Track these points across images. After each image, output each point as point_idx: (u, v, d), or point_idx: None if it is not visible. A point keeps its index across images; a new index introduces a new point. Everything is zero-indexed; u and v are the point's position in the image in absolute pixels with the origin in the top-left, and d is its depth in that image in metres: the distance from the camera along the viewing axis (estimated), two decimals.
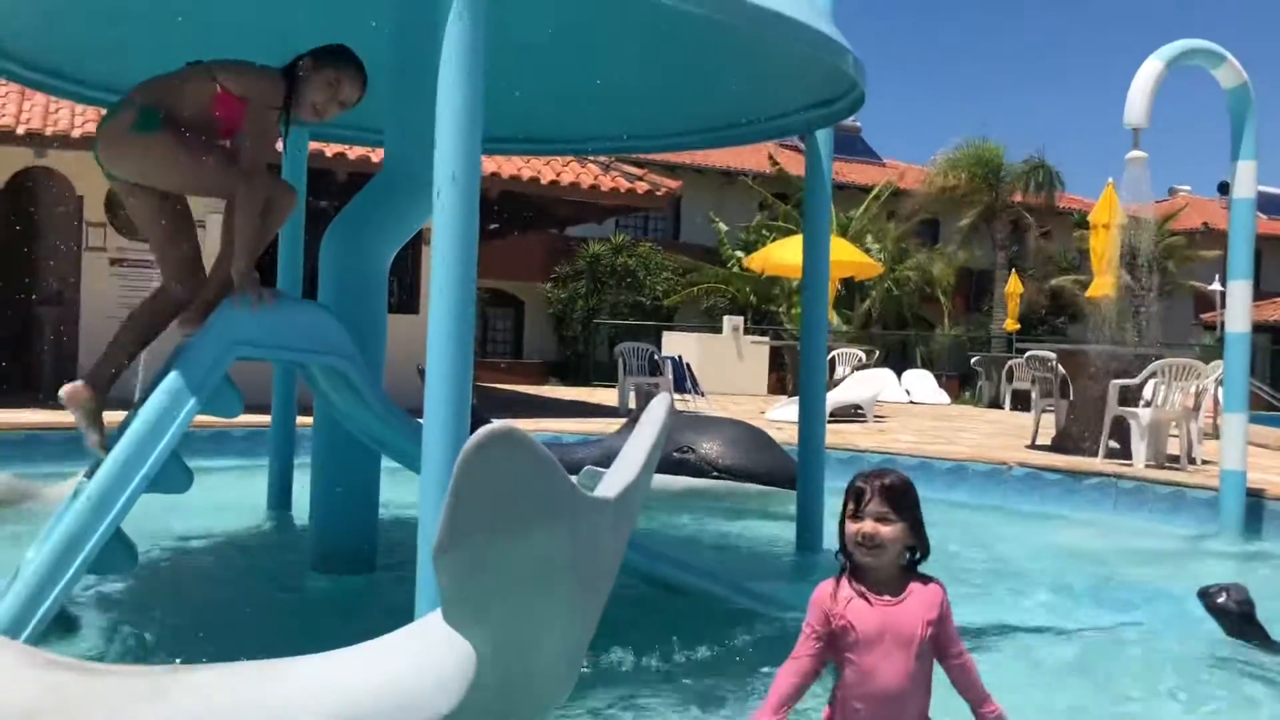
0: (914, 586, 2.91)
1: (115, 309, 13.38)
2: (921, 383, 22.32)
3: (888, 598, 2.93)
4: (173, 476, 3.90)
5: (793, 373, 17.36)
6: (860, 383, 15.85)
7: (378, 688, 2.13)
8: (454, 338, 3.41)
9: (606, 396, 17.50)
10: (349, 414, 4.33)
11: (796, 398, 14.60)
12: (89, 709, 2.21)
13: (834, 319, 20.88)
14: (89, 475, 3.92)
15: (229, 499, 6.80)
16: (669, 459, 7.75)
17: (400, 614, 3.07)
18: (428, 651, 2.10)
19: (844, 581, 3.02)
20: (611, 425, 11.63)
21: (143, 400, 3.93)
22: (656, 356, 15.24)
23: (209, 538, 6.05)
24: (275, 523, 6.64)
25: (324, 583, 5.06)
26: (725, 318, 22.60)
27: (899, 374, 21.89)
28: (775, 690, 3.09)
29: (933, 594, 2.89)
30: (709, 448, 7.67)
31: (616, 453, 8.32)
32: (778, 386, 22.02)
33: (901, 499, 2.91)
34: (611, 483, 2.23)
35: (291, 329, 4.03)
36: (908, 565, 2.93)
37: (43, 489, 6.47)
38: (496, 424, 1.66)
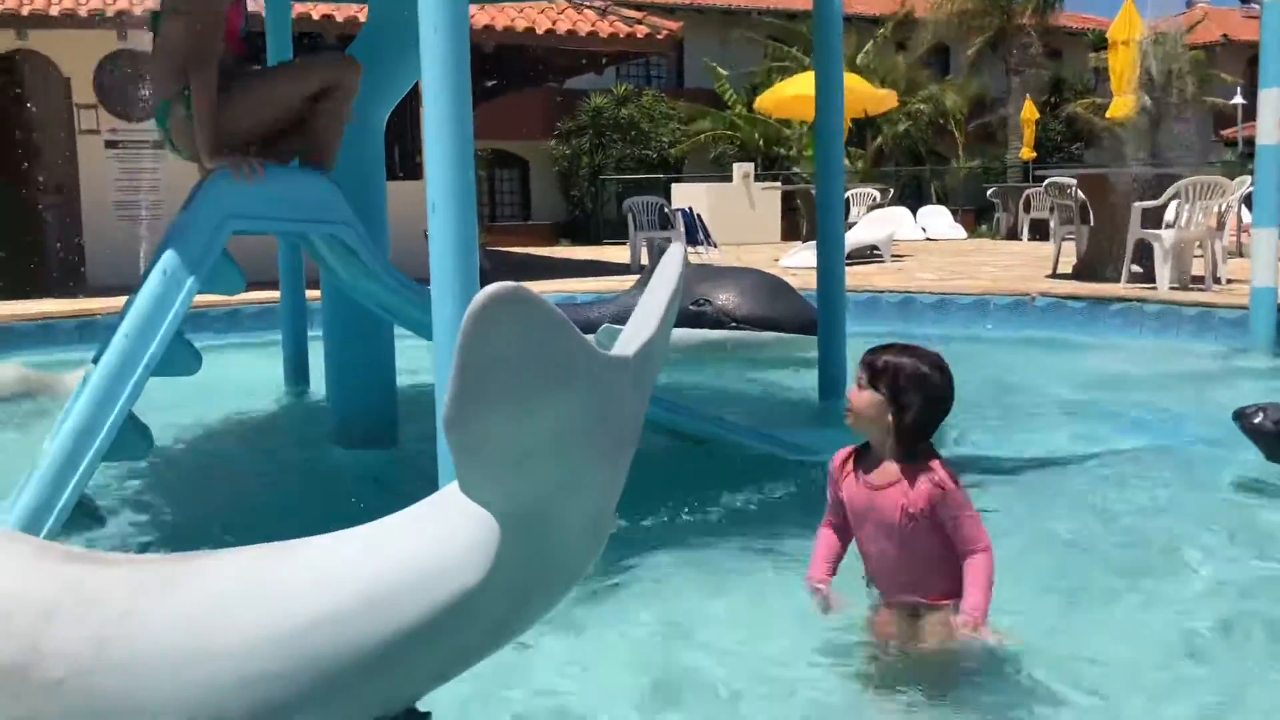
0: (905, 474, 2.83)
1: (115, 192, 13.20)
2: (937, 218, 21.98)
3: (873, 479, 2.88)
4: (180, 358, 3.81)
5: (807, 217, 17.06)
6: (875, 222, 15.60)
7: (398, 564, 2.05)
8: (455, 196, 3.25)
9: (618, 254, 17.30)
10: (355, 284, 4.20)
11: (811, 243, 14.40)
12: (104, 601, 2.16)
13: (845, 159, 20.40)
14: (96, 362, 3.83)
15: (245, 378, 6.76)
16: (686, 312, 7.64)
17: (427, 485, 3.01)
18: (448, 525, 2.02)
19: (854, 453, 2.97)
20: (625, 282, 11.50)
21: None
22: (667, 210, 14.95)
23: (228, 418, 6.01)
24: (293, 399, 6.60)
25: (346, 457, 5.02)
26: (735, 165, 22.17)
27: (914, 211, 21.56)
28: (815, 551, 3.05)
29: (924, 487, 2.79)
30: (726, 298, 7.53)
31: (632, 309, 8.25)
32: (791, 233, 21.72)
33: (882, 372, 2.83)
34: (629, 339, 2.10)
35: (286, 199, 3.87)
36: (906, 450, 2.84)
37: (58, 378, 6.42)
38: (499, 284, 1.53)
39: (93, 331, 8.18)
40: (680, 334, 7.64)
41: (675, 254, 2.39)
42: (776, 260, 14.13)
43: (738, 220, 19.85)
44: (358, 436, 5.01)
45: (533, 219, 30.49)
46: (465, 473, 1.75)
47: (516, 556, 1.93)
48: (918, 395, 2.81)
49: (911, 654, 2.80)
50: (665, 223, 14.86)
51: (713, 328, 7.48)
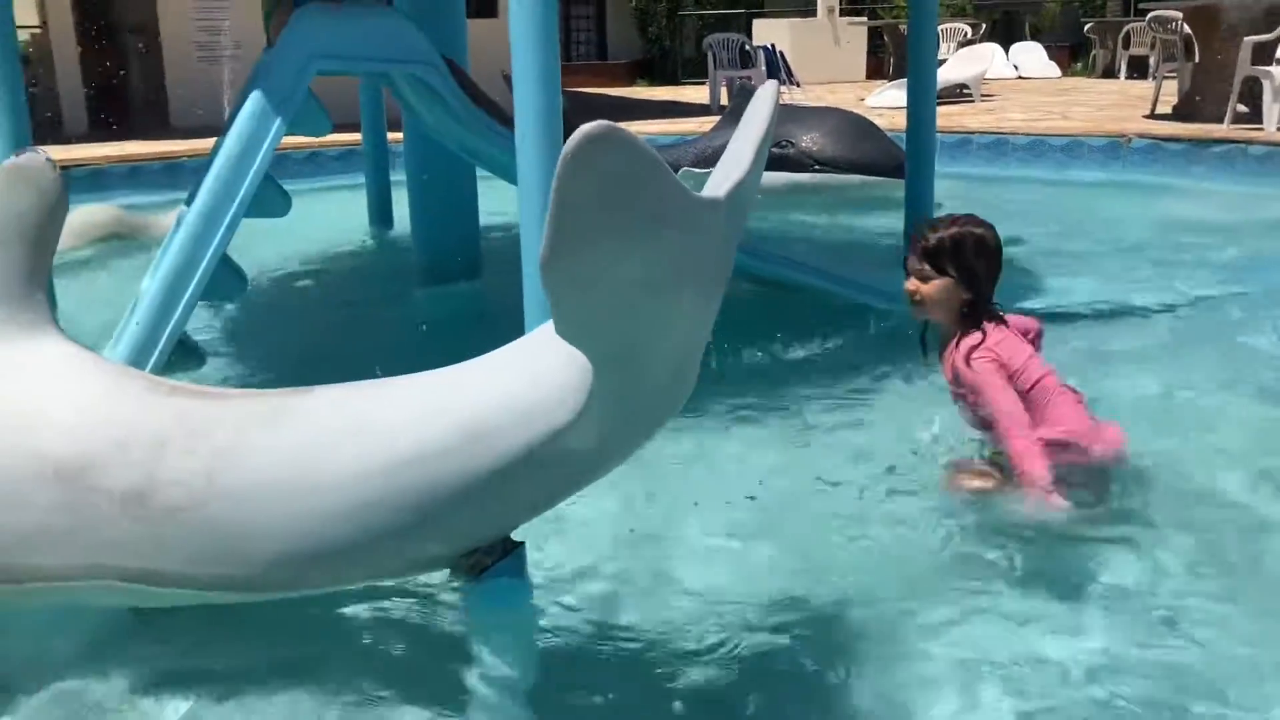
0: (958, 340, 2.85)
1: (194, 33, 13.19)
2: (1030, 55, 21.02)
3: (941, 351, 2.96)
4: (270, 200, 3.86)
5: (894, 54, 16.47)
6: (965, 60, 15.01)
7: (495, 401, 2.11)
8: (538, 35, 3.18)
9: (696, 94, 16.93)
10: (437, 125, 4.18)
11: (899, 81, 13.92)
12: (212, 433, 2.25)
13: None
14: (189, 204, 3.90)
15: (329, 221, 6.83)
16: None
17: (510, 319, 3.05)
18: (543, 363, 2.06)
19: (924, 329, 3.08)
20: (705, 124, 11.27)
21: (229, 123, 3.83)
22: (748, 47, 14.52)
23: (316, 260, 6.12)
24: (378, 240, 6.69)
25: (431, 294, 5.10)
26: (819, 0, 21.31)
27: (1006, 48, 20.63)
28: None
29: (954, 357, 2.84)
30: (810, 140, 7.37)
31: (713, 152, 8.11)
32: (876, 71, 20.99)
33: (944, 254, 2.81)
34: (720, 181, 2.08)
35: (369, 38, 3.82)
36: (973, 319, 2.85)
37: (151, 220, 6.57)
38: (595, 124, 1.51)
39: (179, 174, 8.30)
40: (761, 177, 7.54)
41: (767, 93, 2.33)
42: (862, 100, 13.73)
43: (821, 58, 19.22)
44: (441, 274, 5.09)
45: (609, 58, 29.80)
46: (560, 313, 1.77)
47: (607, 396, 1.96)
48: (982, 261, 2.83)
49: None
50: (746, 61, 14.46)
51: (795, 170, 7.35)
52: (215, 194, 3.66)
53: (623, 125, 1.59)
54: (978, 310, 2.85)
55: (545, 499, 2.23)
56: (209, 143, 3.99)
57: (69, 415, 2.30)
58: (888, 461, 3.03)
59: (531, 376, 2.08)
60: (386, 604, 2.49)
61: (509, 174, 4.19)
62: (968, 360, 2.81)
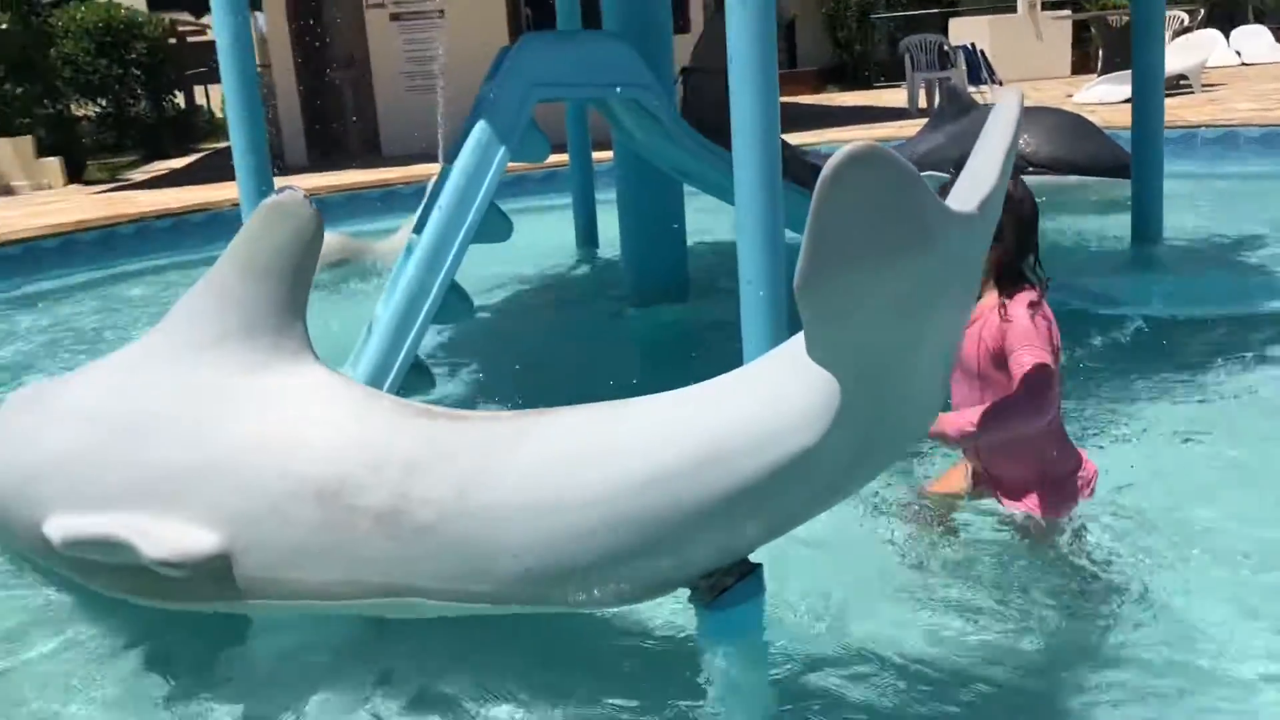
0: (991, 313, 2.58)
1: (403, 64, 13.81)
2: (1255, 40, 19.62)
3: None
4: (494, 226, 3.99)
5: (1103, 47, 15.68)
6: (1183, 49, 14.13)
7: (733, 424, 2.10)
8: (757, 55, 3.14)
9: (892, 98, 16.57)
10: (651, 146, 4.23)
11: (1111, 75, 13.25)
12: (461, 456, 2.32)
13: None
14: (418, 231, 4.07)
15: (536, 242, 7.00)
16: None
17: (720, 339, 3.02)
18: (784, 386, 2.04)
19: None
20: (904, 128, 11.02)
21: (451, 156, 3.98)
22: (946, 47, 14.14)
23: (527, 281, 6.27)
24: (586, 261, 6.81)
25: (642, 315, 5.16)
26: None
27: (1227, 34, 19.34)
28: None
29: (995, 319, 2.56)
30: (1025, 141, 7.08)
31: (920, 157, 7.91)
32: (1081, 65, 20.06)
33: None
34: (969, 194, 2.01)
35: (589, 64, 3.91)
36: (1007, 284, 2.60)
37: (373, 245, 6.88)
38: (858, 145, 1.48)
39: (395, 200, 8.67)
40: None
41: (1011, 101, 2.25)
42: (1070, 96, 13.15)
43: (1022, 54, 18.49)
44: (651, 294, 5.13)
45: (798, 65, 29.57)
46: (814, 334, 1.74)
47: (857, 417, 1.92)
48: (1011, 219, 2.54)
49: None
50: (945, 61, 14.09)
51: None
52: (445, 223, 3.81)
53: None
54: (1016, 269, 2.61)
55: (786, 520, 2.20)
56: (420, 169, 4.16)
57: (327, 439, 2.42)
58: None
59: (771, 399, 2.06)
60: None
61: (723, 193, 4.21)
62: (1029, 307, 2.55)
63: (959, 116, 7.56)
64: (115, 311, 6.39)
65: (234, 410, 2.52)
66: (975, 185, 2.02)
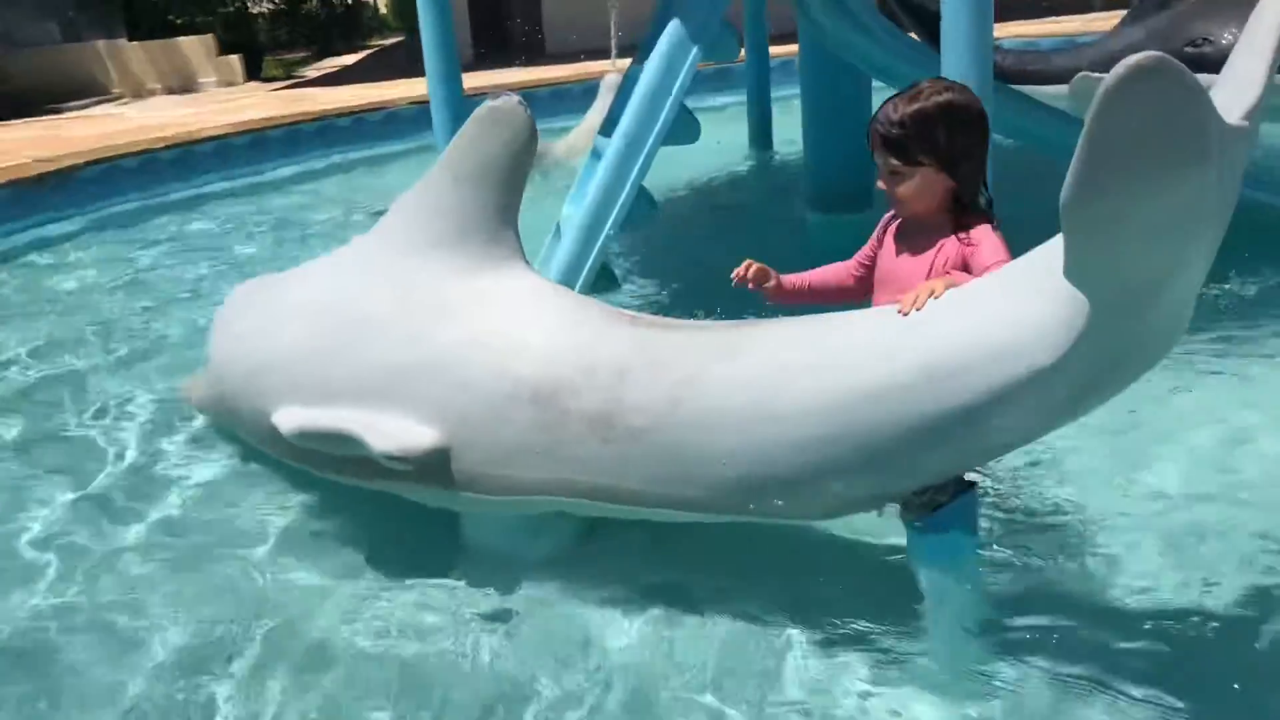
0: (949, 241, 2.29)
1: None
2: None
3: (909, 249, 2.39)
4: (684, 127, 3.95)
5: None
6: None
7: (964, 339, 2.04)
8: None
9: None
10: (845, 41, 4.09)
11: None
12: (673, 364, 2.34)
13: None
14: (605, 133, 4.06)
15: (708, 141, 6.90)
16: (1179, 55, 6.77)
17: None
18: (1023, 301, 1.96)
19: (901, 221, 2.47)
20: (1092, 21, 10.41)
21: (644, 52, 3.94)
22: None
23: (702, 184, 6.21)
24: (760, 162, 6.70)
25: (822, 222, 5.07)
26: None
27: None
28: (810, 272, 2.65)
29: (955, 244, 2.28)
30: (1231, 36, 6.59)
31: (1114, 55, 7.43)
32: None
33: (907, 143, 2.26)
34: (1232, 104, 1.87)
35: None
36: (967, 208, 2.31)
37: (549, 145, 6.91)
38: (1146, 56, 1.39)
39: (566, 99, 8.64)
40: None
41: (1273, 8, 2.08)
42: None
43: None
44: (833, 200, 5.02)
45: None
46: (1078, 251, 1.67)
47: (1101, 337, 1.85)
48: (960, 135, 2.26)
49: None
50: None
51: (1213, 72, 6.60)
52: (637, 123, 3.80)
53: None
54: (973, 196, 2.33)
55: (1014, 439, 2.15)
56: (589, 67, 4.13)
57: (541, 343, 2.47)
58: None
59: (1007, 314, 1.99)
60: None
61: None
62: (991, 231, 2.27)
63: (1160, 9, 7.09)
64: (311, 209, 6.62)
65: (451, 312, 2.59)
66: (1239, 95, 1.88)
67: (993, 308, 2.04)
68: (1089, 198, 1.52)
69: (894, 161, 2.31)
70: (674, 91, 3.76)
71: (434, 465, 2.52)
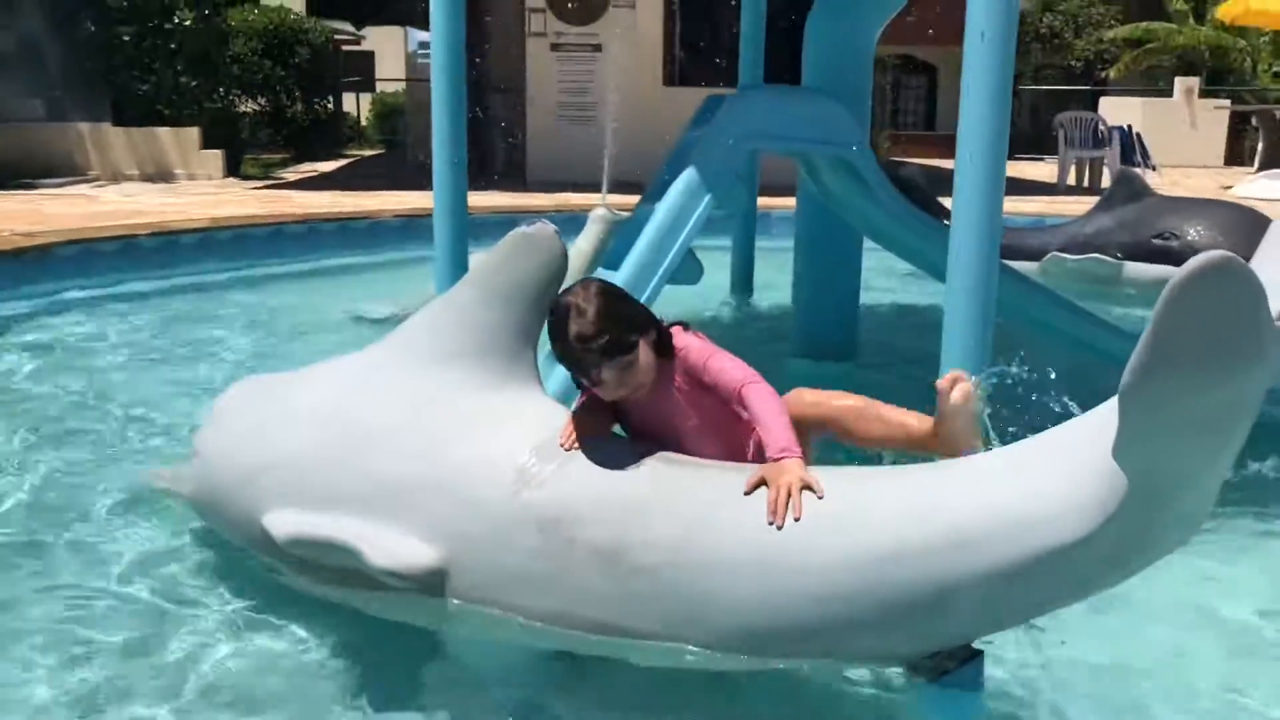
0: (667, 383, 2.53)
1: (557, 93, 14.08)
2: None
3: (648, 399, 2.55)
4: (687, 269, 4.02)
5: (1266, 140, 15.27)
6: None
7: (993, 506, 2.06)
8: (990, 137, 3.06)
9: (1034, 171, 16.32)
10: (850, 206, 4.23)
11: (1271, 171, 12.87)
12: (687, 502, 2.34)
13: None
14: (611, 267, 4.11)
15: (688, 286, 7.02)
16: (1146, 246, 7.10)
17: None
18: (1051, 476, 2.00)
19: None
20: (1054, 204, 10.85)
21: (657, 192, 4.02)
22: (1102, 127, 13.90)
23: (691, 323, 6.26)
24: (742, 308, 6.81)
25: (806, 369, 5.13)
26: (1176, 80, 20.13)
27: None
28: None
29: (674, 367, 2.53)
30: (1196, 233, 6.91)
31: (1085, 239, 7.70)
32: (1234, 157, 19.56)
33: (621, 335, 2.42)
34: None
35: (804, 120, 3.94)
36: (665, 356, 2.53)
37: None
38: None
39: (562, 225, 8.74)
40: (1137, 269, 7.14)
41: None
42: (1227, 188, 12.80)
43: (1174, 141, 18.12)
44: (819, 348, 5.09)
45: (937, 128, 29.35)
46: (1129, 435, 1.71)
47: (1129, 518, 1.88)
48: (630, 303, 2.56)
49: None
50: (1099, 140, 13.85)
51: (1177, 264, 6.88)
52: (643, 262, 3.85)
53: None
54: (667, 344, 2.55)
55: (1029, 610, 2.16)
56: (569, 198, 4.21)
57: (550, 469, 2.46)
58: None
59: (1034, 488, 2.03)
60: None
61: (918, 257, 4.19)
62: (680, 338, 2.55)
63: (1130, 201, 7.41)
64: (292, 310, 6.58)
65: (464, 429, 2.57)
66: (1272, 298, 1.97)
67: (1023, 479, 2.06)
68: (1151, 383, 1.57)
69: (621, 360, 2.43)
70: (684, 234, 3.85)
71: (431, 585, 2.47)
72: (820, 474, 2.34)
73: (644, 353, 2.47)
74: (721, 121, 3.89)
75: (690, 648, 2.31)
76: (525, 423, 2.59)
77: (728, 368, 2.50)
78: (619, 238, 4.25)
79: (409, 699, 2.48)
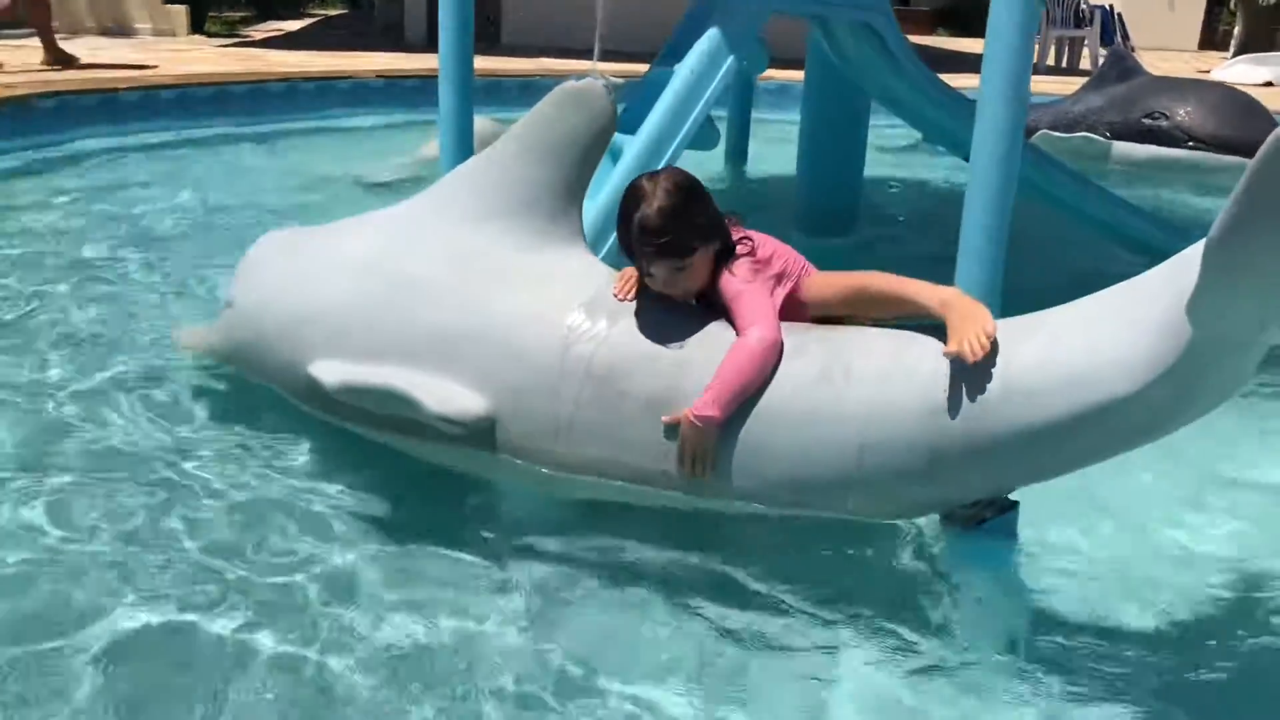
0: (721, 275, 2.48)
1: None
2: None
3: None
4: (704, 134, 4.01)
5: (1244, 25, 15.22)
6: None
7: (1045, 363, 2.14)
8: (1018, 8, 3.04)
9: None
10: (871, 74, 4.21)
11: (1248, 55, 12.87)
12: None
13: None
14: (627, 131, 4.09)
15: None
16: (1135, 125, 7.15)
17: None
18: (1111, 332, 2.07)
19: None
20: (1036, 84, 10.76)
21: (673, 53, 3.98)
22: (1084, 6, 13.78)
23: None
24: (737, 179, 6.80)
25: (810, 242, 5.17)
26: None
27: None
28: None
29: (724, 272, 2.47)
30: (1186, 114, 6.96)
31: (1074, 117, 7.70)
32: (1208, 41, 19.52)
33: (683, 238, 2.41)
34: None
35: None
36: (721, 255, 2.49)
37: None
38: None
39: (537, 95, 8.59)
40: (1125, 149, 7.20)
41: None
42: (1205, 71, 12.81)
43: (1152, 23, 18.01)
44: (820, 223, 5.13)
45: (912, 3, 28.88)
46: (1210, 292, 1.77)
47: (1188, 375, 1.96)
48: (704, 207, 2.47)
49: None
50: (1080, 20, 13.75)
51: (1167, 145, 6.97)
52: (663, 126, 3.83)
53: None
54: (728, 245, 2.51)
55: (1077, 462, 2.25)
56: (548, 63, 4.12)
57: (601, 324, 2.50)
58: None
59: (1092, 344, 2.10)
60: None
61: (933, 127, 4.20)
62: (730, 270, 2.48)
63: (1121, 80, 7.43)
64: (284, 172, 6.47)
65: (512, 284, 2.60)
66: None
67: (1083, 334, 2.13)
68: (1235, 239, 1.63)
69: (676, 262, 2.43)
70: (705, 98, 3.82)
71: (482, 433, 2.53)
72: (873, 332, 2.41)
73: (700, 261, 2.46)
74: None
75: (733, 498, 2.40)
76: (572, 280, 2.62)
77: (743, 311, 2.42)
78: (634, 100, 4.21)
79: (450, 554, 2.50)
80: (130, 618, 2.18)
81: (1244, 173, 1.59)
